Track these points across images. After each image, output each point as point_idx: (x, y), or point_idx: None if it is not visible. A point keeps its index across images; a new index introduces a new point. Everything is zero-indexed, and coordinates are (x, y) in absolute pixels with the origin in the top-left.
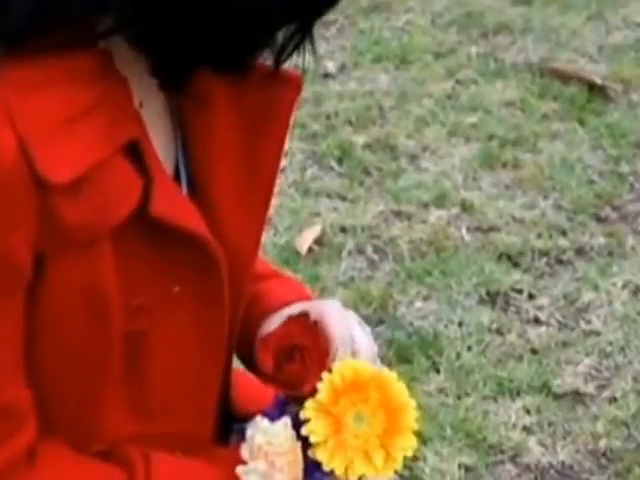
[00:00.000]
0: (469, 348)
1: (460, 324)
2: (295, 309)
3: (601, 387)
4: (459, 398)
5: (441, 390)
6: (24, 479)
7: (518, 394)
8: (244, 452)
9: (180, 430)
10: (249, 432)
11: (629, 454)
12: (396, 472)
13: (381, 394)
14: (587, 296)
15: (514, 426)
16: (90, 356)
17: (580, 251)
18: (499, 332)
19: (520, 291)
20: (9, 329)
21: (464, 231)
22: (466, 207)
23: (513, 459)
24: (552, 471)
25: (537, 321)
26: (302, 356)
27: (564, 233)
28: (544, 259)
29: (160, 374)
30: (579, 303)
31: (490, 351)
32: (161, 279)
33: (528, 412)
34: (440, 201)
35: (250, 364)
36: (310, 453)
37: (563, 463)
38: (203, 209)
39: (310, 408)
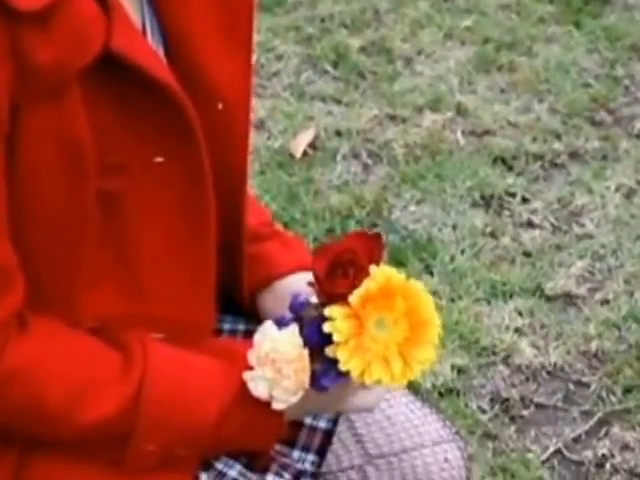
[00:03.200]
0: (462, 251)
1: (454, 227)
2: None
3: (593, 289)
4: (452, 301)
5: (434, 293)
6: (16, 345)
7: (511, 297)
8: (251, 358)
9: (178, 316)
10: (257, 338)
11: (620, 355)
12: (409, 382)
13: (407, 304)
14: (580, 199)
15: (506, 328)
16: (67, 214)
17: (574, 154)
18: (493, 235)
19: (514, 194)
20: None
21: (459, 135)
22: (461, 111)
23: (505, 360)
24: (544, 372)
25: (530, 224)
26: (355, 274)
27: (558, 137)
28: (538, 163)
29: (145, 248)
30: (572, 206)
31: (483, 254)
32: (134, 136)
33: (520, 314)
34: (435, 105)
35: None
36: (329, 351)
37: (555, 364)
38: (185, 58)
39: (337, 308)
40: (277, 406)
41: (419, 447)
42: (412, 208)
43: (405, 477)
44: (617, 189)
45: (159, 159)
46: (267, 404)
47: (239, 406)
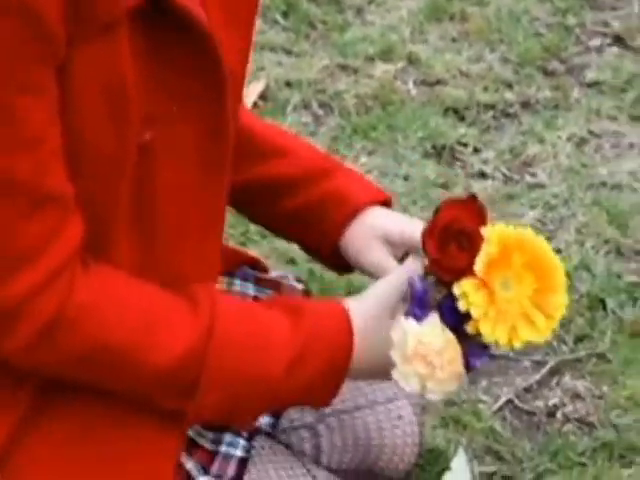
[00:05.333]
0: (414, 202)
1: (405, 178)
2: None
3: (545, 239)
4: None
5: None
6: (82, 282)
7: None
8: (395, 356)
9: (186, 266)
10: (396, 336)
11: (571, 304)
12: (553, 332)
13: (525, 256)
14: (532, 149)
15: None
16: (114, 160)
17: (526, 104)
18: (444, 186)
19: (466, 145)
20: (51, 104)
21: (410, 85)
22: (412, 60)
23: None
24: None
25: (482, 175)
26: (471, 243)
27: (510, 86)
28: (490, 112)
29: (163, 199)
30: (524, 156)
31: (436, 205)
32: (163, 86)
33: None
34: (386, 55)
35: (329, 262)
36: (470, 328)
37: None
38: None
39: (466, 282)
40: (432, 397)
41: (372, 405)
42: (363, 159)
43: (357, 434)
44: (569, 138)
45: (181, 109)
46: (331, 361)
47: (306, 360)
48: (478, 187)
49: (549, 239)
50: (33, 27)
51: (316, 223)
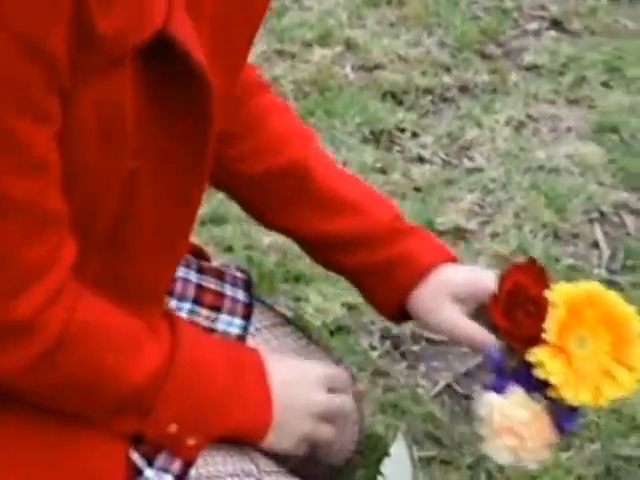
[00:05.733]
0: None
1: (344, 164)
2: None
3: (483, 223)
4: None
5: None
6: (82, 300)
7: None
8: (482, 431)
9: (148, 276)
10: (482, 411)
11: None
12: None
13: (596, 311)
14: (470, 133)
15: None
16: (100, 182)
17: (464, 88)
18: (383, 171)
19: (404, 129)
20: (55, 129)
21: (348, 70)
22: (350, 45)
23: None
24: None
25: (421, 159)
26: (538, 309)
27: (448, 70)
28: (428, 97)
29: (138, 214)
30: (462, 140)
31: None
32: (153, 122)
33: None
34: (324, 40)
35: (394, 318)
36: (553, 394)
37: None
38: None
39: (540, 351)
40: (530, 466)
41: None
42: None
43: None
44: (507, 122)
45: (167, 144)
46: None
47: (241, 378)
48: (417, 172)
49: (487, 223)
50: (38, 56)
51: (382, 282)
